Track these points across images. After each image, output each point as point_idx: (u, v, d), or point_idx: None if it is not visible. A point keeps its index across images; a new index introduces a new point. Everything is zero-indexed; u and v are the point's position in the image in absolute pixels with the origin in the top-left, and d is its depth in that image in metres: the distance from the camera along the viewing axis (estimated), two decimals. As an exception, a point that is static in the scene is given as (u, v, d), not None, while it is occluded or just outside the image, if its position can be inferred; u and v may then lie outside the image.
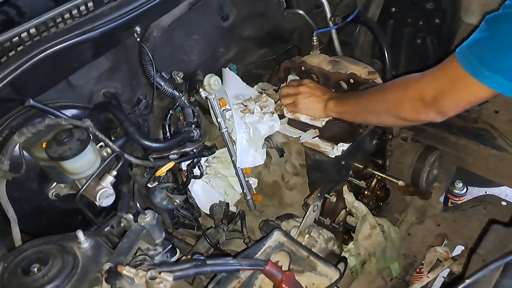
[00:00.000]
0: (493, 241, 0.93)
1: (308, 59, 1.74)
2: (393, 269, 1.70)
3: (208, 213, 1.66)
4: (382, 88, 1.38)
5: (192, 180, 1.57)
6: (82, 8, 1.08)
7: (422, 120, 1.24)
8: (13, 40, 0.99)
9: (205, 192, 1.68)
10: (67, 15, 1.06)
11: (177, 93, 1.49)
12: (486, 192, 2.77)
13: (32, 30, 1.01)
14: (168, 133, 1.50)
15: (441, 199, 2.15)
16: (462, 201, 2.37)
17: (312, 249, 1.35)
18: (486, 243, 0.96)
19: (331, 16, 1.83)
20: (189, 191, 1.62)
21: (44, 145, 1.00)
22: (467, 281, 0.76)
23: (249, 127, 1.57)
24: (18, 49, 1.00)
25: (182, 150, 1.26)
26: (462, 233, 1.86)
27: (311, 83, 1.61)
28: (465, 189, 2.38)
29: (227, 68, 1.75)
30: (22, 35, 1.00)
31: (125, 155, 1.12)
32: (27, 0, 1.07)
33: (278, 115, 1.60)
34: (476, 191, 2.76)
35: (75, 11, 1.07)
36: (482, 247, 0.95)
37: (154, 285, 0.79)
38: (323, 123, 1.56)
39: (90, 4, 1.10)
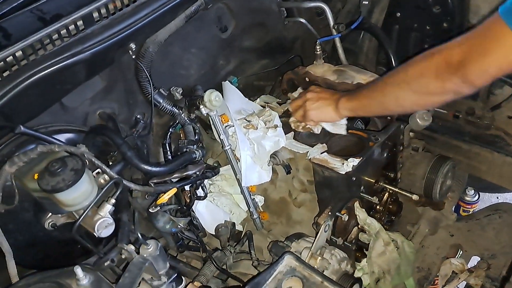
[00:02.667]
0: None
1: (312, 69, 1.68)
2: (408, 284, 1.63)
3: (214, 233, 1.59)
4: (402, 66, 1.25)
5: (196, 200, 1.51)
6: (72, 27, 1.02)
7: (448, 91, 1.11)
8: (7, 60, 0.93)
9: (209, 212, 1.61)
10: (55, 36, 1.00)
11: (177, 110, 1.44)
12: (498, 198, 2.71)
13: (19, 53, 0.95)
14: (168, 152, 1.43)
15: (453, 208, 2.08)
16: (474, 208, 2.31)
17: (325, 272, 1.29)
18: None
19: (334, 24, 1.78)
20: (193, 211, 1.55)
21: (36, 176, 0.93)
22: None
23: (253, 143, 1.51)
24: (4, 74, 0.94)
25: (184, 174, 1.19)
26: (478, 243, 1.80)
27: (317, 88, 1.55)
28: (477, 196, 2.32)
29: (227, 81, 1.70)
30: (8, 59, 0.93)
31: (123, 182, 1.05)
32: (13, 21, 1.00)
33: (294, 131, 1.54)
34: (487, 197, 2.70)
35: (63, 31, 1.01)
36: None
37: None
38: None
39: (79, 23, 1.03)
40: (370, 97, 1.33)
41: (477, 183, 2.24)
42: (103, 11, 1.06)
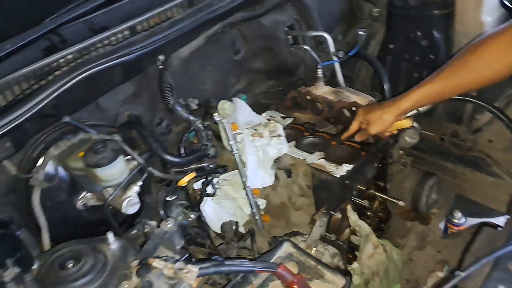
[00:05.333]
0: (483, 240, 1.02)
1: (313, 90, 1.88)
2: (396, 291, 1.76)
3: (218, 232, 1.74)
4: (474, 48, 1.31)
5: (204, 200, 1.66)
6: (119, 35, 1.23)
7: None
8: (58, 61, 1.13)
9: (215, 213, 1.76)
10: (106, 41, 1.21)
11: (192, 118, 1.62)
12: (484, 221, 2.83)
13: (74, 54, 1.15)
14: (183, 154, 1.60)
15: (442, 226, 2.22)
16: (461, 230, 2.44)
17: (318, 261, 1.44)
18: (477, 243, 1.05)
19: (334, 51, 1.98)
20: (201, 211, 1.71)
21: (81, 154, 1.11)
22: (462, 274, 0.84)
23: (259, 150, 1.68)
24: (63, 69, 1.14)
25: (200, 165, 1.36)
26: (462, 259, 1.93)
27: (362, 108, 1.61)
28: (464, 219, 2.45)
29: (237, 97, 1.88)
30: (68, 57, 1.14)
31: (149, 168, 1.22)
32: (69, 29, 1.21)
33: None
34: (475, 222, 2.82)
35: (113, 38, 1.22)
36: (474, 246, 1.04)
37: (182, 275, 0.88)
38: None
39: (126, 33, 1.24)
40: (443, 82, 1.37)
41: (464, 208, 2.39)
42: (144, 24, 1.27)
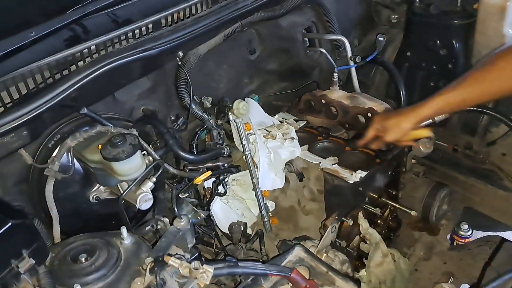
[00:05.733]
0: (505, 256, 1.01)
1: (328, 93, 1.86)
2: (401, 300, 1.74)
3: (226, 232, 1.73)
4: (498, 58, 1.30)
5: (213, 199, 1.65)
6: (143, 29, 1.22)
7: None
8: (81, 52, 1.12)
9: (224, 212, 1.75)
10: (130, 34, 1.20)
11: (206, 116, 1.61)
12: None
13: (98, 46, 1.14)
14: (195, 151, 1.60)
15: (448, 237, 2.21)
16: (468, 243, 2.43)
17: (328, 267, 1.43)
18: (498, 257, 1.03)
19: (351, 56, 1.97)
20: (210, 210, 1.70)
21: (99, 147, 1.10)
22: (483, 289, 0.83)
23: (271, 152, 1.66)
24: (87, 59, 1.13)
25: (215, 164, 1.35)
26: (468, 272, 1.91)
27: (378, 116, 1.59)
28: (470, 231, 2.43)
29: (250, 98, 1.87)
30: (92, 48, 1.13)
31: (164, 164, 1.21)
32: (92, 20, 1.20)
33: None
34: (481, 235, 2.80)
35: (137, 31, 1.21)
36: (496, 261, 1.02)
37: (197, 274, 0.87)
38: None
39: (150, 26, 1.23)
40: (466, 90, 1.35)
41: (471, 221, 2.38)
42: (169, 19, 1.26)
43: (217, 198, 1.66)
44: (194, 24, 1.32)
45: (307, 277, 1.22)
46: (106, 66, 1.11)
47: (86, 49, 1.12)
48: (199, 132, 1.64)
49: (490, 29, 1.82)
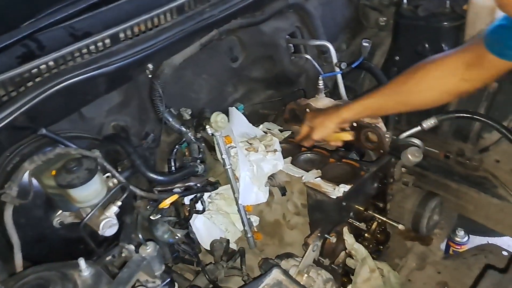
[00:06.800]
0: (488, 286, 0.94)
1: (313, 102, 1.79)
2: (392, 315, 1.68)
3: (209, 249, 1.66)
4: (415, 71, 1.36)
5: (194, 215, 1.59)
6: (100, 44, 1.15)
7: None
8: (32, 71, 1.05)
9: (206, 228, 1.68)
10: (84, 50, 1.13)
11: (184, 129, 1.54)
12: (488, 241, 2.75)
13: (51, 63, 1.07)
14: (173, 167, 1.53)
15: (443, 246, 2.14)
16: (464, 249, 2.36)
17: (310, 289, 1.36)
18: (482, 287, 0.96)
19: (336, 62, 1.90)
20: (191, 226, 1.63)
21: (53, 173, 1.03)
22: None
23: (253, 165, 1.60)
24: (37, 80, 1.06)
25: (186, 184, 1.29)
26: (463, 282, 1.84)
27: (311, 112, 1.67)
28: (466, 237, 2.37)
29: (234, 107, 1.80)
30: (41, 67, 1.06)
31: (130, 187, 1.14)
32: (48, 35, 1.13)
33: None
34: (478, 240, 2.73)
35: (92, 47, 1.13)
36: (479, 291, 0.95)
37: (152, 314, 0.80)
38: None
39: (107, 41, 1.16)
40: (383, 98, 1.43)
41: (468, 226, 2.31)
42: (128, 32, 1.19)
43: (199, 214, 1.60)
44: (156, 36, 1.25)
45: (285, 302, 1.16)
46: (56, 86, 1.04)
47: (37, 68, 1.05)
48: (177, 146, 1.57)
49: (480, 31, 1.74)
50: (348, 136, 1.63)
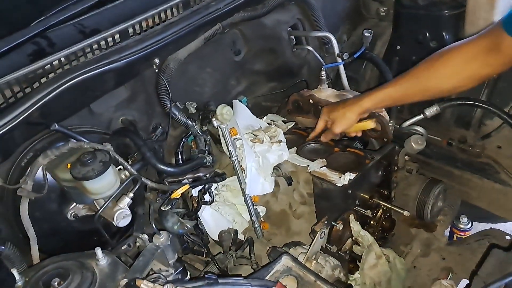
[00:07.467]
0: (493, 264, 0.97)
1: (316, 93, 1.82)
2: (399, 300, 1.71)
3: (217, 239, 1.70)
4: (438, 57, 1.36)
5: (202, 207, 1.61)
6: (110, 40, 1.17)
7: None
8: (45, 68, 1.07)
9: (214, 219, 1.71)
10: (95, 46, 1.15)
11: (190, 122, 1.56)
12: (491, 228, 2.78)
13: (63, 60, 1.10)
14: (180, 160, 1.55)
15: (447, 232, 2.16)
16: (468, 236, 2.38)
17: (318, 275, 1.39)
18: (486, 266, 0.99)
19: (338, 53, 1.92)
20: (199, 218, 1.66)
21: (68, 166, 1.06)
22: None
23: (259, 156, 1.62)
24: (50, 76, 1.08)
25: (196, 175, 1.31)
26: (467, 267, 1.87)
27: (327, 106, 1.66)
28: (470, 224, 2.39)
29: (237, 100, 1.82)
30: (54, 63, 1.08)
31: (141, 178, 1.17)
32: (57, 32, 1.15)
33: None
34: (481, 227, 2.76)
35: (103, 43, 1.16)
36: (483, 270, 0.98)
37: (170, 298, 0.83)
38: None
39: (116, 37, 1.19)
40: (404, 86, 1.43)
41: (471, 212, 2.34)
42: (137, 27, 1.21)
43: (206, 206, 1.63)
44: (163, 31, 1.27)
45: (295, 287, 1.19)
46: (68, 82, 1.06)
47: (50, 64, 1.08)
48: (184, 139, 1.60)
49: (480, 19, 1.76)
50: (372, 124, 1.62)
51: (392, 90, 1.45)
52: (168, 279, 1.11)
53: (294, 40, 2.01)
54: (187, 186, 1.27)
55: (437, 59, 1.35)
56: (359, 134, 1.65)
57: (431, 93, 1.43)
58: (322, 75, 1.85)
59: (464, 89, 1.40)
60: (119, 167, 1.18)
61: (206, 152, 1.49)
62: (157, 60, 1.38)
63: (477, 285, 0.93)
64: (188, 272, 1.24)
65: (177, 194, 1.25)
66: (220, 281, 0.99)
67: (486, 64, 1.24)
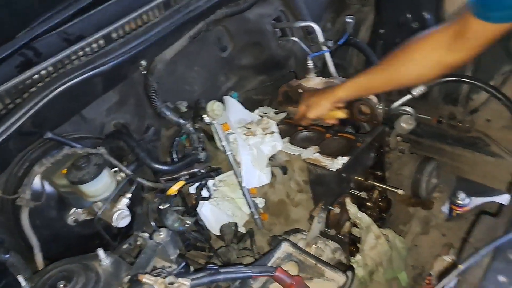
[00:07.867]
0: (482, 231, 1.00)
1: (304, 82, 1.84)
2: (402, 279, 1.74)
3: (218, 234, 1.72)
4: (404, 47, 1.35)
5: (201, 203, 1.63)
6: (94, 45, 1.19)
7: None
8: (33, 77, 1.09)
9: (213, 215, 1.73)
10: (81, 53, 1.17)
11: (182, 121, 1.58)
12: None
13: (50, 68, 1.12)
14: (175, 159, 1.57)
15: (446, 209, 2.19)
16: (466, 211, 2.41)
17: (319, 258, 1.42)
18: (476, 232, 1.02)
19: (323, 41, 1.94)
20: (198, 215, 1.68)
21: (64, 172, 1.08)
22: (461, 267, 0.82)
23: (253, 149, 1.65)
24: (39, 85, 1.11)
25: (191, 171, 1.34)
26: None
27: (308, 92, 1.70)
28: (468, 200, 2.42)
29: (228, 96, 1.84)
30: (42, 72, 1.11)
31: (137, 179, 1.19)
32: (43, 42, 1.17)
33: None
34: (480, 201, 2.79)
35: (88, 49, 1.18)
36: (473, 237, 1.01)
37: (173, 290, 0.86)
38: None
39: (101, 42, 1.21)
40: (374, 76, 1.45)
41: (468, 188, 2.37)
42: (120, 31, 1.23)
43: (205, 202, 1.65)
44: (146, 32, 1.29)
45: (296, 272, 1.22)
46: (57, 89, 1.08)
47: (38, 74, 1.10)
48: (177, 138, 1.62)
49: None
50: (342, 114, 1.66)
51: (363, 80, 1.48)
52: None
53: (279, 32, 2.04)
54: (182, 182, 1.29)
55: (404, 48, 1.35)
56: (334, 122, 1.68)
57: (398, 82, 1.44)
58: (309, 64, 1.87)
59: (430, 78, 1.40)
60: (114, 169, 1.20)
61: (200, 148, 1.51)
62: (143, 62, 1.39)
63: (468, 251, 0.96)
64: (192, 267, 1.27)
65: (173, 190, 1.27)
66: (221, 270, 1.01)
67: (452, 50, 1.22)
